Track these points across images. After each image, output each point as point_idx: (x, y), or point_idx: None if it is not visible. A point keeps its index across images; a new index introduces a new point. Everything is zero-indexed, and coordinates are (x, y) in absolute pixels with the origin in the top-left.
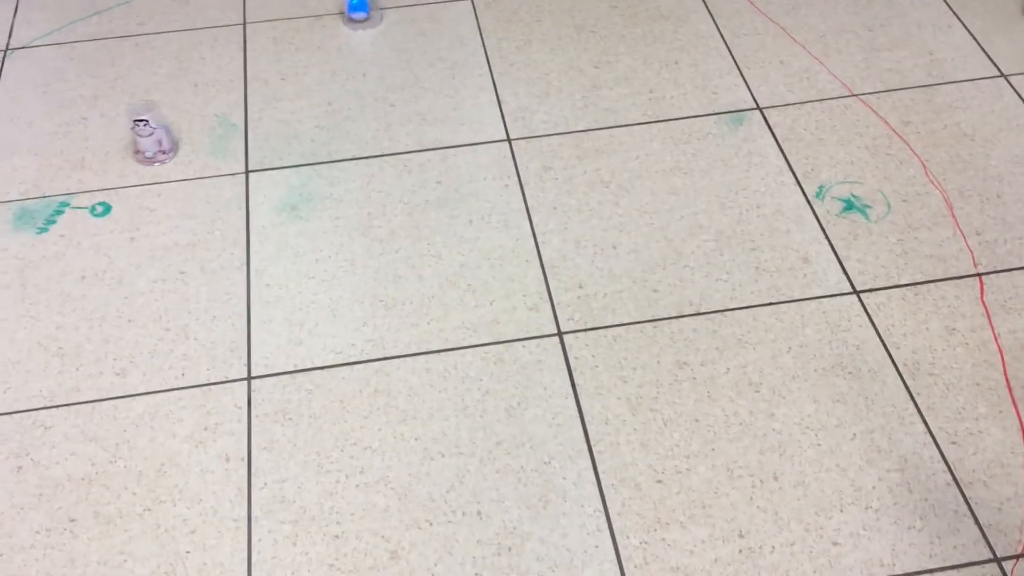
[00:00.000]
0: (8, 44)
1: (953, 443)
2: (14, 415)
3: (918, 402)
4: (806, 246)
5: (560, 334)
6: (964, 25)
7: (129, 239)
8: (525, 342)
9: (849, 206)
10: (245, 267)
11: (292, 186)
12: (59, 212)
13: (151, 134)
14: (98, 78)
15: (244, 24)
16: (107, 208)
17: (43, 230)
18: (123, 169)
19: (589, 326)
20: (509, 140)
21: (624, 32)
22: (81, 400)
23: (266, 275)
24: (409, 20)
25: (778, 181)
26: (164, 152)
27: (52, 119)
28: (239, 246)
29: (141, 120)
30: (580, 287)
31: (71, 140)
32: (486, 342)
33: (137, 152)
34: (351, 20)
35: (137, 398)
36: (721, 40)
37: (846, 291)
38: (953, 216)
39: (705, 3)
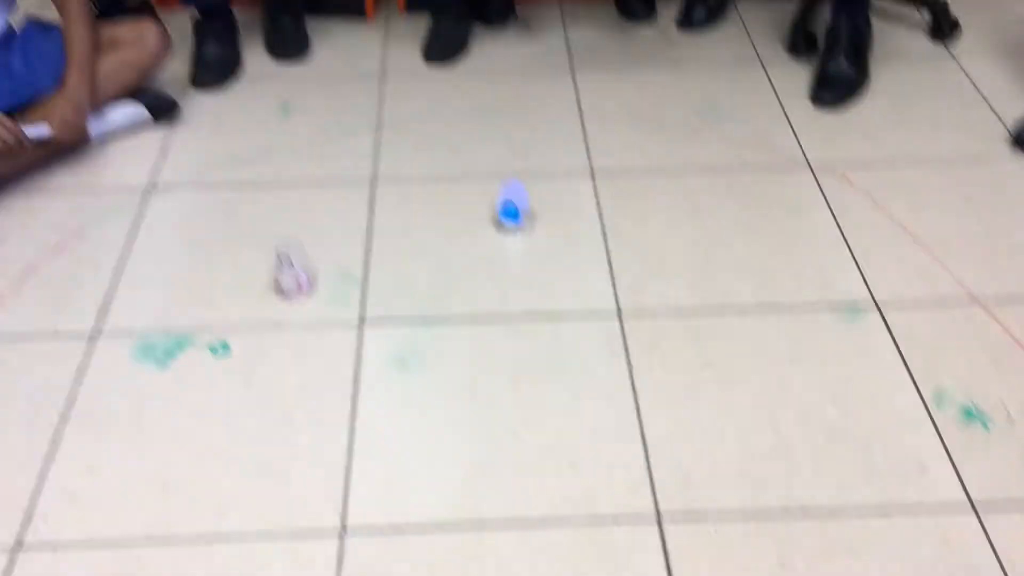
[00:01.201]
0: (154, 182)
1: None
2: (113, 547)
3: None
4: (922, 452)
5: (659, 519)
6: None
7: (243, 381)
8: (622, 524)
9: (969, 415)
10: (350, 417)
11: (403, 341)
12: (180, 348)
13: (287, 271)
14: (232, 221)
15: (373, 180)
16: (226, 348)
17: (163, 364)
18: (246, 312)
19: (689, 513)
20: (619, 314)
21: (741, 217)
22: (179, 538)
23: (370, 427)
24: (530, 190)
25: (893, 381)
26: (302, 289)
27: (185, 257)
28: (346, 395)
29: (284, 255)
30: (682, 471)
31: (200, 279)
32: (582, 519)
33: (278, 289)
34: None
35: (232, 542)
36: (840, 234)
37: (962, 504)
38: None
39: (824, 196)
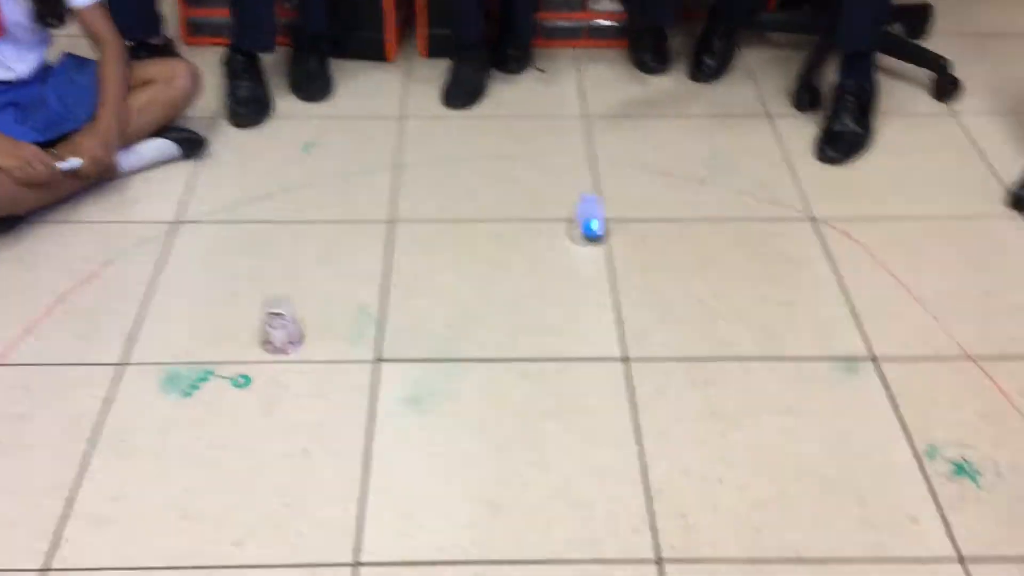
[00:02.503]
0: (179, 218)
1: None
2: (135, 571)
3: None
4: (914, 505)
5: (660, 562)
6: None
7: (263, 412)
8: (625, 566)
9: (960, 470)
10: (365, 452)
11: (417, 380)
12: (204, 379)
13: (284, 327)
14: (255, 257)
15: (391, 222)
16: (248, 380)
17: (187, 394)
18: None
19: (689, 558)
20: (626, 360)
21: (745, 268)
22: (199, 565)
23: (384, 463)
24: (541, 234)
25: (889, 435)
26: (292, 344)
27: (209, 290)
28: (361, 431)
29: (276, 313)
30: (683, 516)
31: (223, 312)
32: (587, 560)
33: (267, 343)
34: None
35: (249, 570)
36: (839, 287)
37: (951, 558)
38: None
39: (826, 250)
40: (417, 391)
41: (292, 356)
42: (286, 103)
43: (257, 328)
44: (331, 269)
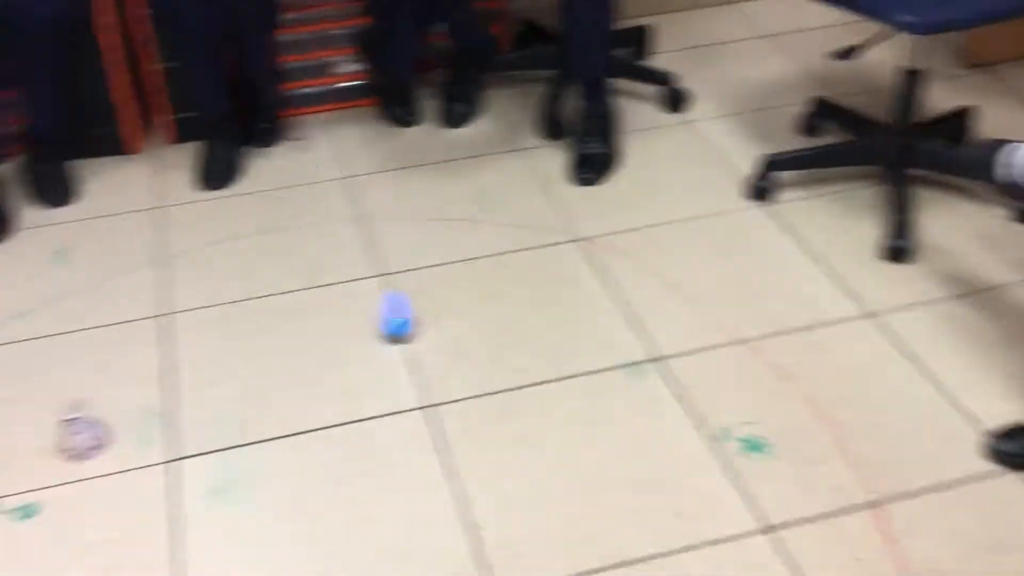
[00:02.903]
0: None
1: None
2: None
3: None
4: (718, 487)
5: None
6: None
7: (56, 541)
8: None
9: (750, 445)
10: (171, 559)
11: (219, 470)
12: None
13: (85, 431)
14: (21, 379)
15: (168, 314)
16: (35, 509)
17: None
18: (52, 468)
19: None
20: (426, 408)
21: (525, 296)
22: None
23: (200, 566)
24: (324, 300)
25: (681, 427)
26: (97, 448)
27: None
28: (166, 537)
29: (72, 419)
30: (511, 546)
31: None
32: None
33: (64, 450)
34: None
35: None
36: (613, 298)
37: (762, 528)
38: (841, 449)
39: (595, 265)
40: (221, 481)
41: (94, 459)
42: (30, 213)
43: (39, 449)
44: (107, 375)
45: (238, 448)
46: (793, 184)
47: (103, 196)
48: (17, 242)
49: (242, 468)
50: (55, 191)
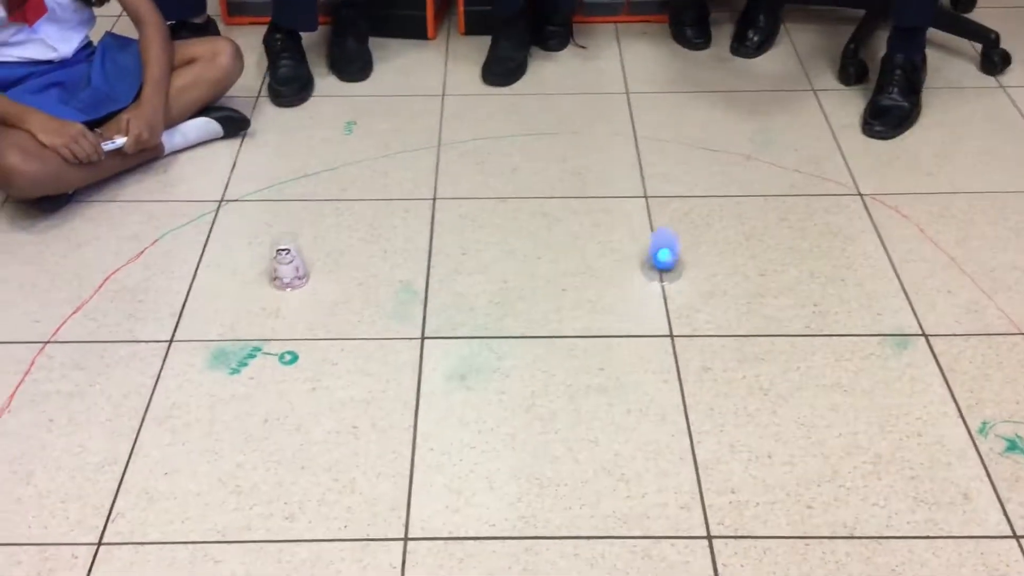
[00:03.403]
0: (223, 196)
1: None
2: (189, 545)
3: None
4: (967, 482)
5: (709, 538)
6: None
7: (311, 389)
8: (674, 541)
9: (1012, 446)
10: (412, 429)
11: (463, 356)
12: (251, 356)
13: (291, 262)
14: (299, 235)
15: (434, 199)
16: (295, 357)
17: (235, 371)
18: (313, 323)
19: (739, 534)
20: (672, 337)
21: (792, 244)
22: (251, 539)
23: (431, 439)
24: (584, 211)
25: (941, 411)
26: (299, 278)
27: (254, 268)
28: (409, 408)
29: (284, 249)
30: (732, 492)
31: (270, 290)
32: (635, 535)
33: (275, 279)
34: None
35: (302, 544)
36: (889, 263)
37: (1006, 535)
38: None
39: (875, 225)
40: (463, 368)
41: (299, 289)
42: (327, 82)
43: (305, 305)
44: (375, 246)
45: (482, 339)
46: None
47: (395, 76)
48: (313, 108)
49: (483, 359)
50: (354, 66)
